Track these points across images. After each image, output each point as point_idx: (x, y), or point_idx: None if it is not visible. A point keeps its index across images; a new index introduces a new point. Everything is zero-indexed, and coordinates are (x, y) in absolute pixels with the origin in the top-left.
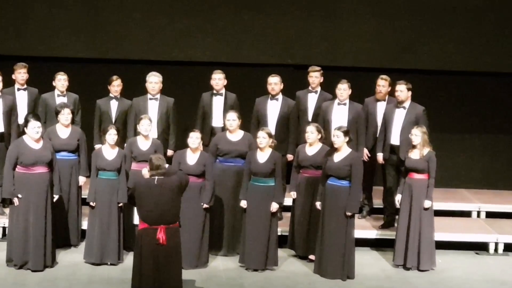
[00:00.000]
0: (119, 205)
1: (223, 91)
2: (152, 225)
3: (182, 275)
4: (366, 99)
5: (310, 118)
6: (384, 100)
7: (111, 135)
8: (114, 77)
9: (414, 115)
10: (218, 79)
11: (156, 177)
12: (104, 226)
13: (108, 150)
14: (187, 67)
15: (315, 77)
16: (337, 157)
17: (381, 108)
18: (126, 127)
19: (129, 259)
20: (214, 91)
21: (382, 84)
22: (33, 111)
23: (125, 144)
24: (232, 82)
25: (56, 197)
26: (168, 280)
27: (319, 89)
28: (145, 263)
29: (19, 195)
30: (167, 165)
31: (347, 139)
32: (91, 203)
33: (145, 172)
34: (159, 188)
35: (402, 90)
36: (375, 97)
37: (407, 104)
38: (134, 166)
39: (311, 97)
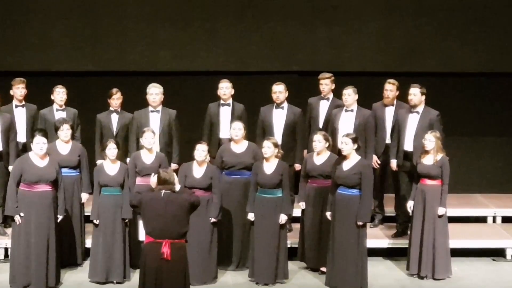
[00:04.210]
0: (125, 221)
1: (230, 101)
2: (157, 239)
3: None
4: (374, 104)
5: (321, 125)
6: (392, 105)
7: (111, 149)
8: (114, 90)
9: (428, 120)
10: (225, 88)
11: (163, 191)
12: (109, 243)
13: (109, 165)
14: (188, 78)
15: (325, 84)
16: (346, 165)
17: (389, 113)
18: (128, 141)
19: (136, 277)
20: (222, 101)
21: (390, 88)
22: (39, 127)
23: (128, 159)
24: (236, 91)
25: (60, 217)
26: None
27: (331, 96)
28: (148, 278)
29: (21, 213)
30: (177, 184)
31: (355, 146)
32: (95, 221)
33: (154, 180)
34: (164, 201)
35: (416, 94)
36: (383, 102)
37: (420, 108)
38: (139, 180)
39: (323, 105)
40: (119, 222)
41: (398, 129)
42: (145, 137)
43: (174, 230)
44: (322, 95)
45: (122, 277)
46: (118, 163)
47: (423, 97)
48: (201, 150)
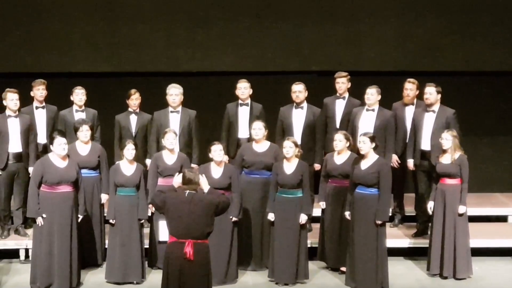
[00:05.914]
0: (141, 221)
1: (248, 101)
2: (180, 239)
3: None
4: (394, 104)
5: (338, 125)
6: (413, 104)
7: (129, 150)
8: (132, 91)
9: (445, 119)
10: (243, 88)
11: (187, 191)
12: (125, 244)
13: (126, 165)
14: (208, 78)
15: (341, 83)
16: (364, 165)
17: (409, 112)
18: (147, 142)
19: (153, 277)
20: (240, 101)
21: (410, 87)
22: (58, 129)
23: (147, 160)
24: (255, 91)
25: (80, 217)
26: None
27: (347, 95)
28: (171, 278)
29: (44, 215)
30: (206, 186)
31: (373, 145)
32: (111, 221)
33: (177, 180)
34: (188, 201)
35: (432, 93)
36: (403, 101)
37: (436, 107)
38: (161, 181)
39: (339, 104)
40: (135, 222)
41: (414, 129)
42: (167, 137)
43: (197, 230)
44: (338, 94)
45: (140, 277)
46: (135, 163)
47: (439, 96)
48: (218, 150)
